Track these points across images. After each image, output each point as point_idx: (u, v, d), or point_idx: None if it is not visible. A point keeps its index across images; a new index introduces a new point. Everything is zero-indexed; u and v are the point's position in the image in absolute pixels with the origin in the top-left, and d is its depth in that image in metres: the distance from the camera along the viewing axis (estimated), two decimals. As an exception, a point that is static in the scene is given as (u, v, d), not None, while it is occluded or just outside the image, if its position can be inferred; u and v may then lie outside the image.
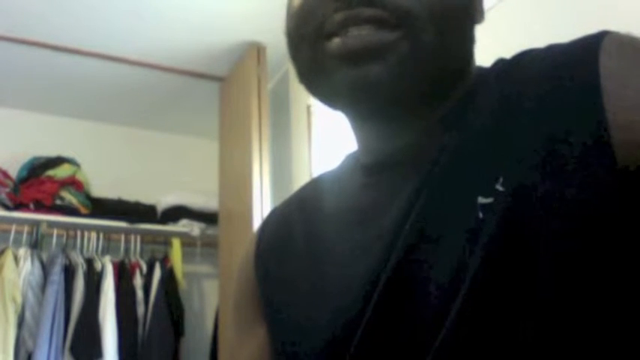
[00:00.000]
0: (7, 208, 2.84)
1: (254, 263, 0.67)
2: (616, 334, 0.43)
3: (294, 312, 0.59)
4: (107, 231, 3.00)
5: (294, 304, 0.59)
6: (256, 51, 2.66)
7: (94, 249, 2.92)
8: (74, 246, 2.88)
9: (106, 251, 2.94)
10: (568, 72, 0.47)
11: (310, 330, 0.56)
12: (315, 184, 0.69)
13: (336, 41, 0.50)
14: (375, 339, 0.50)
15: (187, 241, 3.14)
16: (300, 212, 0.66)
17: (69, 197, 2.97)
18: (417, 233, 0.49)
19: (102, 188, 3.16)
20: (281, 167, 2.77)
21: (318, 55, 0.52)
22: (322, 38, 0.51)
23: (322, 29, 0.51)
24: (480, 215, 0.46)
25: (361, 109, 0.56)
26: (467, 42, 0.56)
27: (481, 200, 0.46)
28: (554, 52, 0.51)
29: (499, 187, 0.46)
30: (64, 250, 2.82)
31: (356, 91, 0.51)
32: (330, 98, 0.56)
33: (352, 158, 0.65)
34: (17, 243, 2.77)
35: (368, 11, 0.49)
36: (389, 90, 0.51)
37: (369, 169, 0.59)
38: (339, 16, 0.50)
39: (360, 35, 0.49)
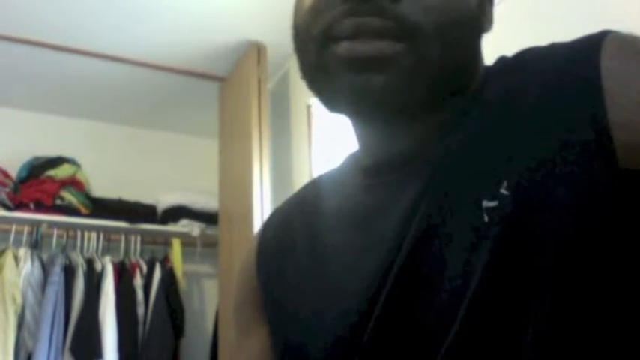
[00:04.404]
0: (7, 208, 2.84)
1: (256, 265, 0.67)
2: (619, 334, 0.43)
3: (298, 313, 0.59)
4: (107, 231, 3.00)
5: (298, 305, 0.59)
6: (256, 51, 2.66)
7: (94, 249, 2.92)
8: (74, 246, 2.88)
9: (106, 251, 2.94)
10: (569, 72, 0.47)
11: (315, 331, 0.56)
12: (315, 185, 0.69)
13: (344, 45, 0.50)
14: (384, 340, 0.50)
15: (187, 241, 3.14)
16: (301, 214, 0.66)
17: (69, 197, 2.97)
18: (422, 236, 0.49)
19: (102, 188, 3.16)
20: (281, 167, 2.77)
21: (324, 56, 0.52)
22: (330, 41, 0.51)
23: (330, 33, 0.51)
24: (486, 219, 0.46)
25: (361, 116, 0.56)
26: (473, 54, 0.56)
27: (486, 204, 0.47)
28: (555, 51, 0.51)
29: (503, 191, 0.46)
30: (64, 250, 2.82)
31: (357, 98, 0.51)
32: (330, 101, 0.55)
33: (353, 159, 0.65)
34: (17, 243, 2.77)
35: (377, 21, 0.49)
36: (390, 101, 0.51)
37: (371, 171, 0.59)
38: (348, 22, 0.50)
39: (368, 43, 0.49)
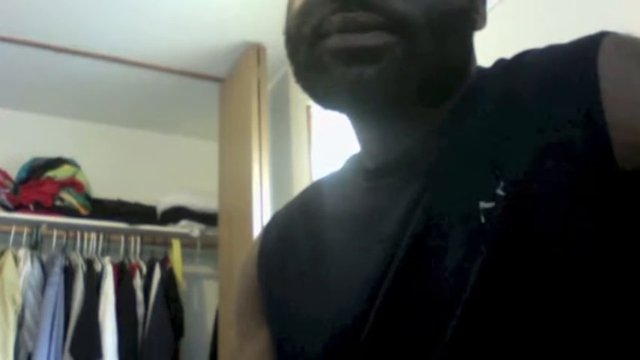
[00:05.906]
0: (6, 209, 2.84)
1: (257, 267, 0.67)
2: (617, 331, 0.44)
3: (299, 314, 0.59)
4: (107, 232, 2.99)
5: (298, 306, 0.60)
6: (256, 52, 2.66)
7: (94, 250, 2.91)
8: (74, 247, 2.88)
9: (105, 252, 2.94)
10: (567, 73, 0.47)
11: (315, 332, 0.56)
12: (317, 188, 0.69)
13: (335, 38, 0.50)
14: (382, 340, 0.50)
15: (187, 242, 3.14)
16: (302, 216, 0.66)
17: (69, 198, 2.97)
18: (420, 237, 0.50)
19: (102, 189, 3.16)
20: (281, 168, 2.77)
21: (316, 52, 0.52)
22: (320, 38, 0.51)
23: (320, 29, 0.51)
24: (483, 220, 0.46)
25: (355, 109, 0.56)
26: (465, 48, 0.56)
27: (483, 205, 0.47)
28: (553, 53, 0.51)
29: (500, 192, 0.46)
30: (63, 251, 2.82)
31: (350, 91, 0.51)
32: (324, 97, 0.55)
33: (354, 161, 0.65)
34: (17, 244, 2.77)
35: (365, 16, 0.49)
36: (381, 92, 0.51)
37: (372, 173, 0.59)
38: (336, 18, 0.50)
39: (358, 36, 0.50)
